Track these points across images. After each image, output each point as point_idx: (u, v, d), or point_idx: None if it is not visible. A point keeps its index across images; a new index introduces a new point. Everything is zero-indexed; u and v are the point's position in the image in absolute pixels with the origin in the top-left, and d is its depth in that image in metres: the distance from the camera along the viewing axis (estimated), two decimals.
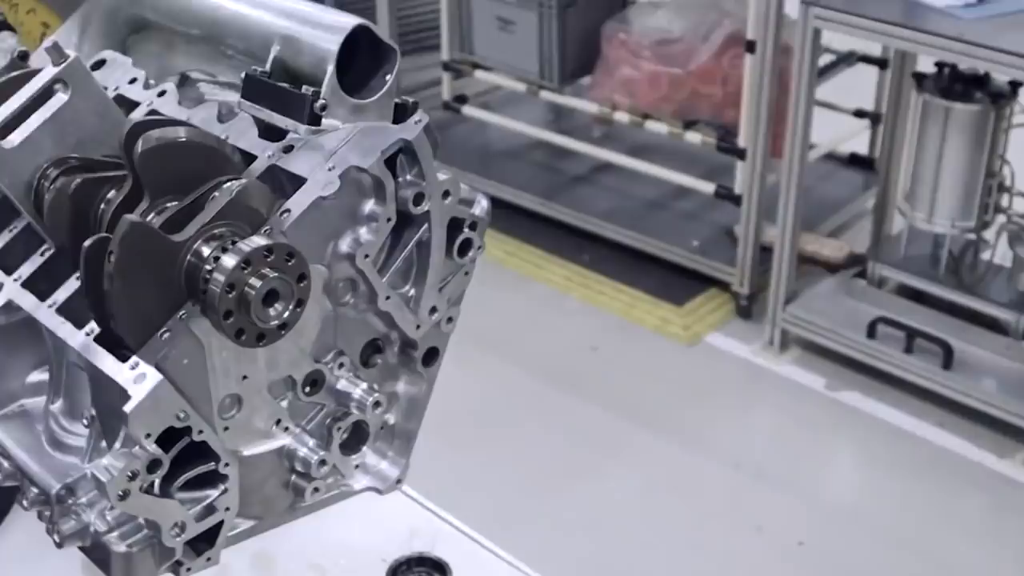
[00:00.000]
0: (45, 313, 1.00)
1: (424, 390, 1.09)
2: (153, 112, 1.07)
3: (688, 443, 3.33)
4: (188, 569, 0.98)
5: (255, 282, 0.87)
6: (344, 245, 0.97)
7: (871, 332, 3.42)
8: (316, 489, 1.03)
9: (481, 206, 1.03)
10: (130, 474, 0.89)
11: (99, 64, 1.15)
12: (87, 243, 0.89)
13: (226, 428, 0.98)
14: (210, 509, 0.97)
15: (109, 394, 0.90)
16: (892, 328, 3.40)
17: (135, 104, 1.10)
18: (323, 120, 0.95)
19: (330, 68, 0.95)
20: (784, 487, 3.16)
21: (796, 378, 3.54)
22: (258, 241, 0.88)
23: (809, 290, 3.68)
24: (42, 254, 1.05)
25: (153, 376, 0.88)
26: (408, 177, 0.98)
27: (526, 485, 3.14)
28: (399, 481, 1.09)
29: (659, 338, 3.73)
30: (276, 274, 0.88)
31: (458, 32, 4.29)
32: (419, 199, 0.98)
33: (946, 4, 3.20)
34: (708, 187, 3.83)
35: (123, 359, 0.91)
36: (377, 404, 1.01)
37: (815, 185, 3.99)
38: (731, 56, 3.74)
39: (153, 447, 0.90)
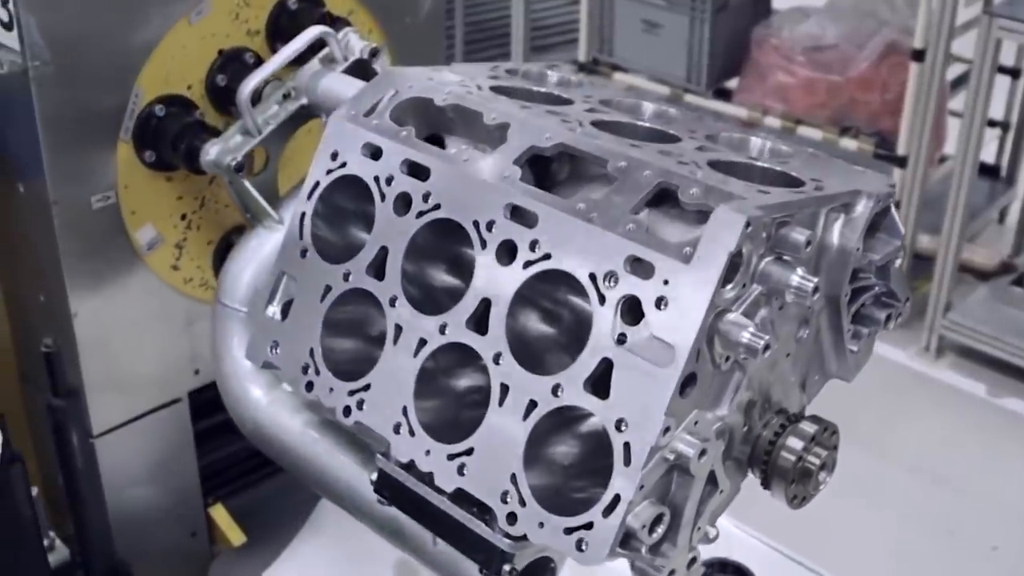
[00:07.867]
0: None
1: None
2: None
3: (861, 447, 3.36)
4: None
5: (813, 459, 1.04)
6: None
7: None
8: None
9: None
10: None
11: None
12: None
13: None
14: None
15: None
16: None
17: None
18: None
19: None
20: (966, 492, 3.21)
21: (956, 384, 3.60)
22: (815, 426, 1.04)
23: (964, 297, 3.74)
24: None
25: None
26: None
27: None
28: None
29: None
30: (827, 452, 1.04)
31: (597, 33, 4.30)
32: None
33: None
34: None
35: None
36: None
37: (944, 193, 4.02)
38: (891, 64, 3.77)
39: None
